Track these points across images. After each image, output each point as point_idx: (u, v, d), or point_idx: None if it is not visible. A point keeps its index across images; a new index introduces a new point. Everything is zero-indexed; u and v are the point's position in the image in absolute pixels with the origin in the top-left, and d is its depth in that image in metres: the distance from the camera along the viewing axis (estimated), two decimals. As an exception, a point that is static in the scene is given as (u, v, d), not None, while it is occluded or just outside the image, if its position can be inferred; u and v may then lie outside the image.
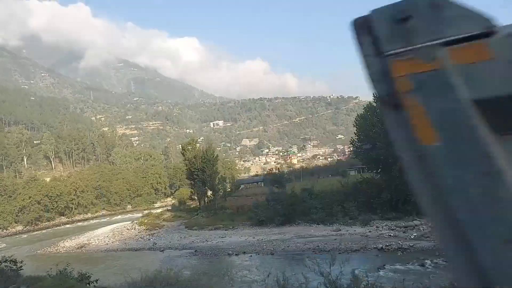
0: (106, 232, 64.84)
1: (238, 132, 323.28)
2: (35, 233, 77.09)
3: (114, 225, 71.40)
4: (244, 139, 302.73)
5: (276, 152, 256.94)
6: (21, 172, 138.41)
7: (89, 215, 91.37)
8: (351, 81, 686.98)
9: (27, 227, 78.86)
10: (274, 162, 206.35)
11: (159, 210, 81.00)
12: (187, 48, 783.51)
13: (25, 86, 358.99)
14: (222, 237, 49.56)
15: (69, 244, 59.71)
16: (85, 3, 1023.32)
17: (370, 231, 44.18)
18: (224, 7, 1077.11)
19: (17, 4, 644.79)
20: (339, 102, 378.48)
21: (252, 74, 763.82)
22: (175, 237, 53.23)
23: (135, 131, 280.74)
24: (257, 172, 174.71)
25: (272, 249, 42.22)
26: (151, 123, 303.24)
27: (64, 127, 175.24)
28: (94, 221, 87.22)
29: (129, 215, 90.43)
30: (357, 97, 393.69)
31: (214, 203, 60.47)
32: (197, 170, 61.56)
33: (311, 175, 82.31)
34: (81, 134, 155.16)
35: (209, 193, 66.65)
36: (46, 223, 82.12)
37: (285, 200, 50.99)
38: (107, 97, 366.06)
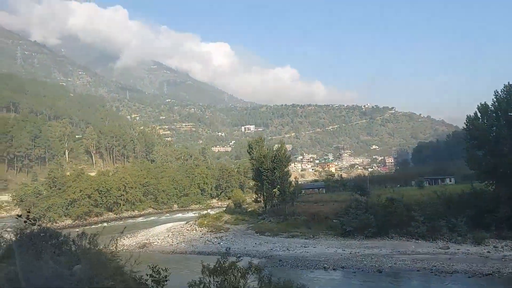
0: (163, 232, 60.66)
1: (269, 138, 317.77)
2: (85, 228, 73.97)
3: (169, 224, 67.24)
4: (276, 145, 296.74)
5: (311, 160, 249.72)
6: (63, 165, 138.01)
7: (136, 212, 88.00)
8: (384, 91, 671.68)
9: (76, 221, 75.93)
10: (312, 169, 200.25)
11: (211, 211, 76.54)
12: (218, 53, 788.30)
13: (63, 83, 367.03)
14: (305, 247, 44.00)
15: (127, 242, 55.65)
16: (123, 6, 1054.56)
17: (488, 252, 37.57)
18: (256, 15, 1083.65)
19: (58, 4, 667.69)
20: (373, 112, 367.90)
21: (281, 81, 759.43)
22: (249, 242, 48.08)
23: (168, 132, 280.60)
24: (296, 178, 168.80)
25: (376, 265, 36.30)
26: (184, 124, 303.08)
27: (105, 123, 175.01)
28: (142, 219, 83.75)
29: (179, 214, 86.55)
30: (393, 107, 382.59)
31: (284, 207, 55.06)
32: (266, 171, 56.43)
33: (378, 183, 75.72)
34: (122, 131, 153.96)
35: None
36: (94, 218, 79.16)
37: (376, 210, 44.94)
38: (140, 98, 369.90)
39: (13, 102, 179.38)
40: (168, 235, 56.90)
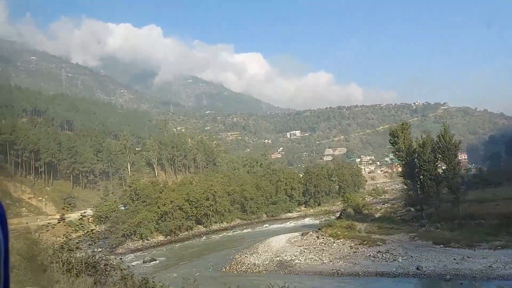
0: (287, 246, 49.57)
1: (318, 142, 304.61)
2: (180, 244, 64.53)
3: (282, 236, 56.18)
4: (327, 149, 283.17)
5: (370, 162, 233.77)
6: (126, 179, 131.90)
7: (225, 224, 77.88)
8: (429, 88, 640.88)
9: (168, 236, 66.56)
10: (381, 171, 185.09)
11: (310, 220, 65.05)
12: (251, 63, 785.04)
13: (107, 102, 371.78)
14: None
15: (256, 260, 44.94)
16: (157, 24, 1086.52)
17: None
18: (286, 23, 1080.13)
19: (96, 27, 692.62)
20: (425, 109, 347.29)
21: (317, 86, 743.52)
22: (439, 257, 35.71)
23: (215, 142, 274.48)
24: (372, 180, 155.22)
25: None
26: (229, 133, 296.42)
27: (165, 134, 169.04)
28: (237, 231, 73.47)
29: (277, 225, 75.60)
30: (445, 103, 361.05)
31: (457, 209, 42.54)
32: (426, 163, 44.35)
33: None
34: (183, 140, 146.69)
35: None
36: (185, 233, 69.44)
37: None
38: (183, 111, 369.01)
39: (67, 120, 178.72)
40: (303, 250, 45.62)
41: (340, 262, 38.81)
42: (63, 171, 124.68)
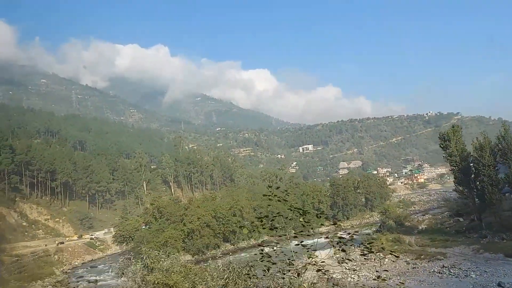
0: (330, 263, 45.36)
1: (331, 156, 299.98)
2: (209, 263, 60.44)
3: (319, 252, 51.86)
4: (341, 162, 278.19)
5: (387, 174, 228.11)
6: (142, 198, 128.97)
7: (252, 241, 73.68)
8: (440, 98, 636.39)
9: (196, 256, 62.76)
10: (401, 183, 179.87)
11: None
12: (259, 79, 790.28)
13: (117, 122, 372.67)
14: None
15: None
16: (164, 44, 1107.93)
17: None
18: (290, 38, 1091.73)
19: (104, 49, 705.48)
20: (438, 120, 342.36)
21: (325, 100, 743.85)
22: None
23: (230, 158, 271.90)
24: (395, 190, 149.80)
25: None
26: (241, 150, 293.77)
27: (180, 151, 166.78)
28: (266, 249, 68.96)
29: (307, 241, 71.14)
30: (458, 112, 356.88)
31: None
32: (486, 168, 40.64)
33: None
34: (198, 157, 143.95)
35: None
36: (213, 251, 65.53)
37: None
38: (193, 129, 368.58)
39: (79, 140, 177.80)
40: (352, 267, 41.53)
41: (401, 279, 34.77)
42: (79, 191, 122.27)
